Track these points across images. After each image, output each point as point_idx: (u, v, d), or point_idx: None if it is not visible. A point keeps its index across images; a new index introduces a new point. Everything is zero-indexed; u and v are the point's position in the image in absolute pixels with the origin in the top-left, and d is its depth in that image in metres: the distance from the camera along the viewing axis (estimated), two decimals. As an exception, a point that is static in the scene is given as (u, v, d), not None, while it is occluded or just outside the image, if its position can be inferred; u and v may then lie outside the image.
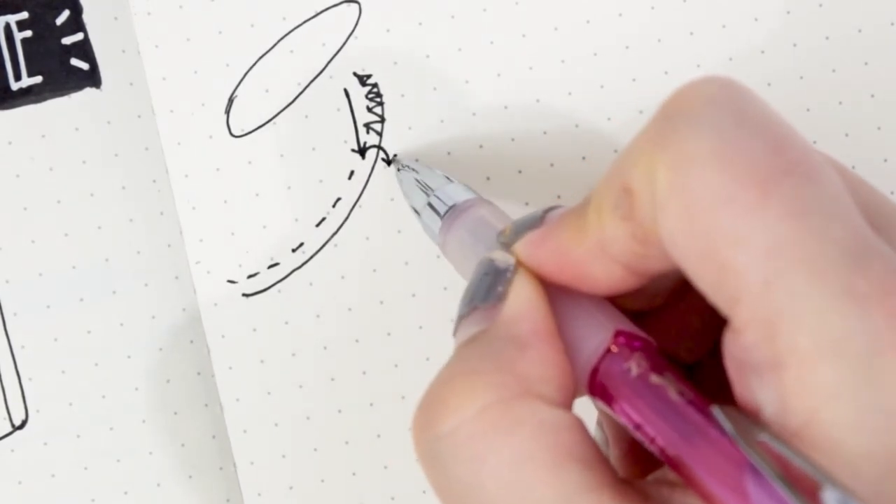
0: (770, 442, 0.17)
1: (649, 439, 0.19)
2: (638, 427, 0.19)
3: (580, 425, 0.19)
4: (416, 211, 0.29)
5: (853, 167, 0.31)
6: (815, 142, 0.31)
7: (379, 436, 0.32)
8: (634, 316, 0.22)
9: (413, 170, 0.30)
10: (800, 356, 0.16)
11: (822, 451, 0.16)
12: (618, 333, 0.20)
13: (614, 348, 0.20)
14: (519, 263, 0.21)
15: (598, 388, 0.20)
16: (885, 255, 0.17)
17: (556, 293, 0.21)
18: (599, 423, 0.24)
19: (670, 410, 0.18)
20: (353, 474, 0.32)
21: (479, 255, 0.23)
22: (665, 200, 0.18)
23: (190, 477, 0.32)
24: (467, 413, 0.18)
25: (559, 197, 0.32)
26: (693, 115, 0.18)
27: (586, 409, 0.21)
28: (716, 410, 0.18)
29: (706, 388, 0.23)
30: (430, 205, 0.28)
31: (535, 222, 0.22)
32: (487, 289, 0.21)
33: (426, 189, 0.29)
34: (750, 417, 0.18)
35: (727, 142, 0.17)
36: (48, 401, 0.33)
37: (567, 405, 0.20)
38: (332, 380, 0.32)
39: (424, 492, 0.32)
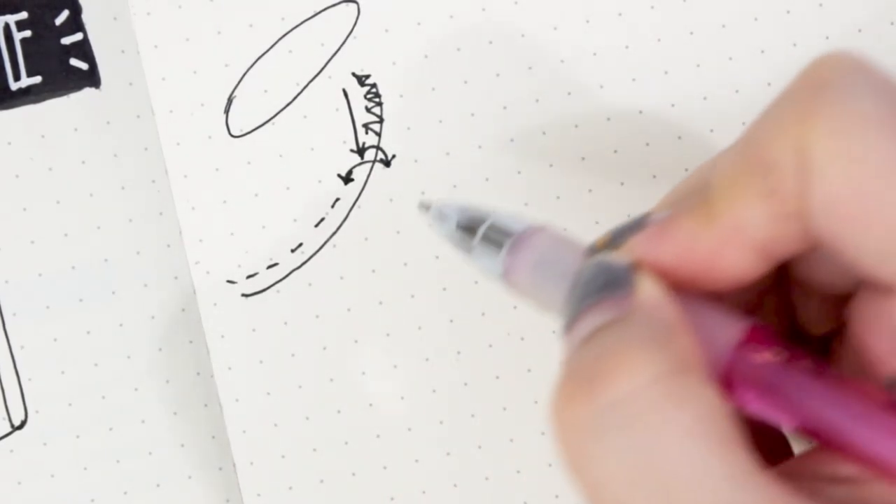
0: None
1: (807, 429, 0.18)
2: (800, 419, 0.18)
3: (731, 409, 0.18)
4: (461, 248, 0.27)
5: (853, 167, 0.31)
6: (815, 142, 0.31)
7: (378, 436, 0.32)
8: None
9: (453, 208, 0.29)
10: None
11: None
12: (753, 329, 0.19)
13: (748, 343, 0.19)
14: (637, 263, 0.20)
15: (738, 385, 0.19)
16: None
17: (674, 292, 0.20)
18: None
19: (827, 389, 0.18)
20: (353, 474, 0.32)
21: (562, 274, 0.22)
22: (824, 170, 0.17)
23: (189, 477, 0.33)
24: (640, 381, 0.18)
25: (559, 198, 0.32)
26: (842, 83, 0.18)
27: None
28: (887, 379, 0.17)
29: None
30: (485, 237, 0.26)
31: (641, 225, 0.21)
32: (610, 282, 0.20)
33: (475, 221, 0.27)
34: None
35: (887, 106, 0.17)
36: (48, 401, 0.33)
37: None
38: (332, 380, 0.32)
39: (424, 492, 0.32)
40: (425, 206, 0.28)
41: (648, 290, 0.19)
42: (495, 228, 0.25)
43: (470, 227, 0.26)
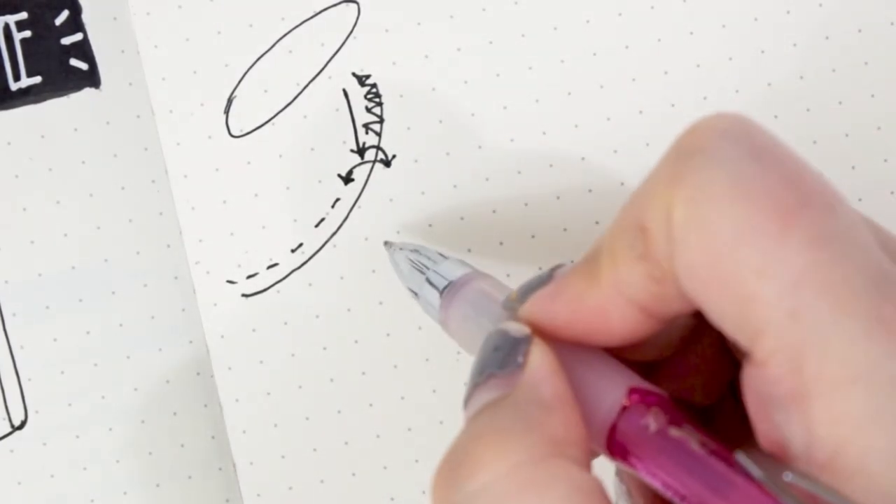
0: (798, 481, 0.17)
1: (678, 495, 0.19)
2: (664, 483, 0.19)
3: (603, 489, 0.19)
4: (413, 291, 0.29)
5: (853, 167, 0.31)
6: (814, 142, 0.31)
7: (378, 436, 0.32)
8: (645, 367, 0.22)
9: (408, 250, 0.30)
10: (828, 385, 0.16)
11: (853, 483, 0.16)
12: (631, 391, 0.20)
13: (629, 406, 0.20)
14: (533, 332, 0.21)
15: (618, 448, 0.20)
16: None
17: (565, 355, 0.21)
18: (619, 474, 0.24)
19: (695, 463, 0.18)
20: (353, 474, 0.32)
21: (483, 326, 0.24)
22: (683, 235, 0.18)
23: (189, 477, 0.32)
24: (500, 470, 0.18)
25: (558, 198, 0.32)
26: (708, 149, 0.18)
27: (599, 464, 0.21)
28: (740, 456, 0.18)
29: (722, 432, 0.23)
30: (428, 281, 0.28)
31: (544, 281, 0.22)
32: (504, 356, 0.21)
33: (422, 268, 0.29)
34: (774, 458, 0.18)
35: (744, 175, 0.17)
36: (47, 401, 0.33)
37: (589, 468, 0.19)
38: (332, 380, 0.32)
39: (424, 492, 0.32)
40: (388, 245, 0.30)
41: (536, 363, 0.20)
42: (438, 276, 0.27)
43: (421, 268, 0.28)
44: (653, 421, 0.19)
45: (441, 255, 0.29)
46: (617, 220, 0.20)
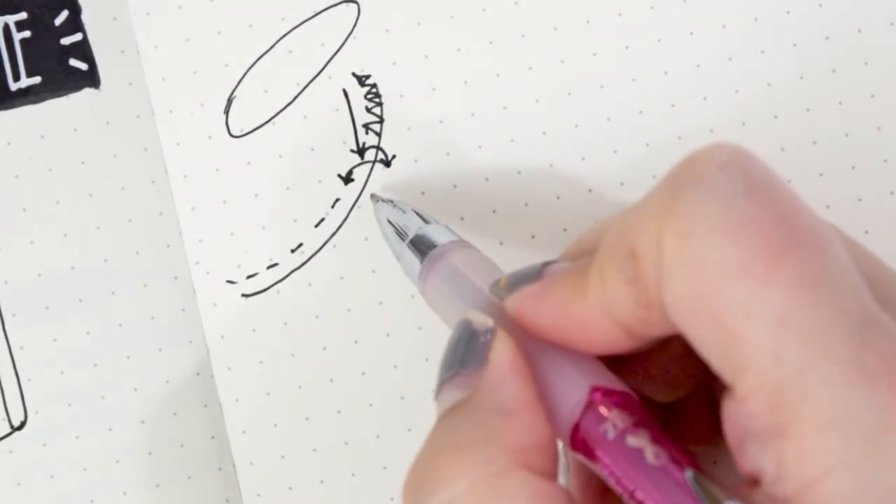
0: None
1: (629, 495, 0.19)
2: (618, 483, 0.19)
3: (566, 496, 0.19)
4: (395, 254, 0.29)
5: (853, 168, 0.31)
6: (814, 142, 0.31)
7: (378, 436, 0.32)
8: (614, 358, 0.22)
9: (392, 206, 0.30)
10: (803, 426, 0.17)
11: None
12: (594, 389, 0.20)
13: (593, 405, 0.20)
14: (497, 325, 0.21)
15: (580, 445, 0.20)
16: (890, 330, 0.17)
17: (533, 349, 0.21)
18: (564, 450, 0.24)
19: (646, 472, 0.19)
20: (353, 475, 0.32)
21: (456, 307, 0.24)
22: (672, 268, 0.18)
23: (189, 477, 0.32)
24: (457, 489, 0.19)
25: (558, 198, 0.32)
26: (702, 183, 0.18)
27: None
28: (688, 475, 0.18)
29: (688, 424, 0.23)
30: (409, 245, 0.28)
31: (533, 276, 0.22)
32: (465, 353, 0.21)
33: (403, 232, 0.29)
34: (720, 485, 0.18)
35: (735, 211, 0.18)
36: (47, 401, 0.33)
37: (554, 471, 0.20)
38: (332, 380, 0.32)
39: (424, 492, 0.32)
40: (374, 199, 0.30)
41: (498, 364, 0.21)
42: (423, 238, 0.27)
43: (403, 232, 0.28)
44: (611, 426, 0.20)
45: (424, 219, 0.29)
46: (608, 241, 0.20)
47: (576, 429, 0.20)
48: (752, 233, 0.17)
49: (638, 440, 0.19)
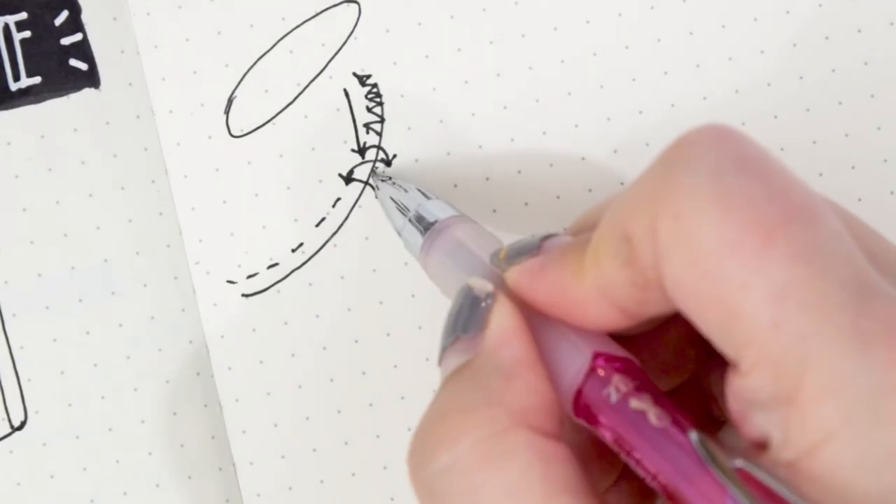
0: (748, 468, 0.17)
1: (634, 460, 0.19)
2: (622, 447, 0.19)
3: (569, 456, 0.19)
4: (396, 229, 0.29)
5: (853, 168, 0.31)
6: (814, 142, 0.31)
7: (378, 436, 0.32)
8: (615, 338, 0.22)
9: (392, 184, 0.30)
10: (805, 393, 0.17)
11: (818, 486, 0.17)
12: (596, 355, 0.20)
13: (595, 371, 0.20)
14: (497, 290, 0.22)
15: (583, 411, 0.20)
16: (888, 295, 0.17)
17: (535, 317, 0.21)
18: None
19: (650, 435, 0.19)
20: (353, 475, 0.32)
21: (459, 278, 0.24)
22: (668, 249, 0.18)
23: (189, 477, 0.32)
24: (460, 450, 0.19)
25: (558, 198, 0.32)
26: (693, 163, 0.18)
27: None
28: (693, 437, 0.18)
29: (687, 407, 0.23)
30: (410, 221, 0.28)
31: (533, 249, 0.22)
32: (467, 318, 0.21)
33: (404, 208, 0.29)
34: (725, 447, 0.18)
35: (728, 189, 0.18)
36: (47, 402, 0.33)
37: (557, 432, 0.20)
38: (332, 380, 0.32)
39: (424, 492, 0.32)
40: (374, 176, 0.30)
41: (498, 327, 0.21)
42: (425, 213, 0.27)
43: (404, 209, 0.28)
44: (614, 390, 0.20)
45: (425, 195, 0.29)
46: (603, 224, 0.20)
47: (578, 394, 0.20)
48: (746, 208, 0.17)
49: (641, 403, 0.19)
